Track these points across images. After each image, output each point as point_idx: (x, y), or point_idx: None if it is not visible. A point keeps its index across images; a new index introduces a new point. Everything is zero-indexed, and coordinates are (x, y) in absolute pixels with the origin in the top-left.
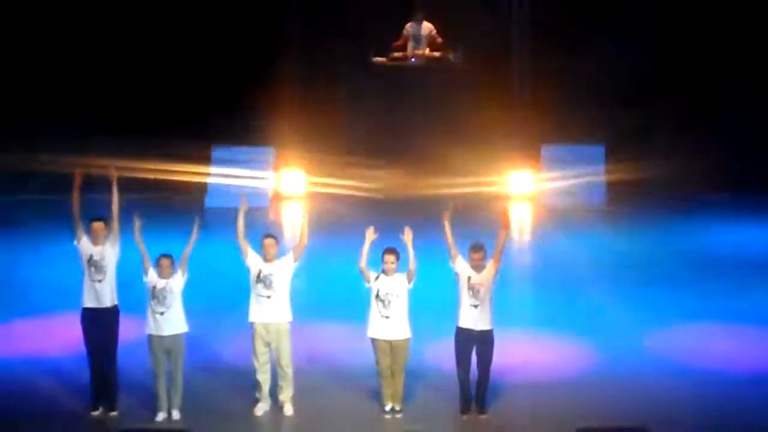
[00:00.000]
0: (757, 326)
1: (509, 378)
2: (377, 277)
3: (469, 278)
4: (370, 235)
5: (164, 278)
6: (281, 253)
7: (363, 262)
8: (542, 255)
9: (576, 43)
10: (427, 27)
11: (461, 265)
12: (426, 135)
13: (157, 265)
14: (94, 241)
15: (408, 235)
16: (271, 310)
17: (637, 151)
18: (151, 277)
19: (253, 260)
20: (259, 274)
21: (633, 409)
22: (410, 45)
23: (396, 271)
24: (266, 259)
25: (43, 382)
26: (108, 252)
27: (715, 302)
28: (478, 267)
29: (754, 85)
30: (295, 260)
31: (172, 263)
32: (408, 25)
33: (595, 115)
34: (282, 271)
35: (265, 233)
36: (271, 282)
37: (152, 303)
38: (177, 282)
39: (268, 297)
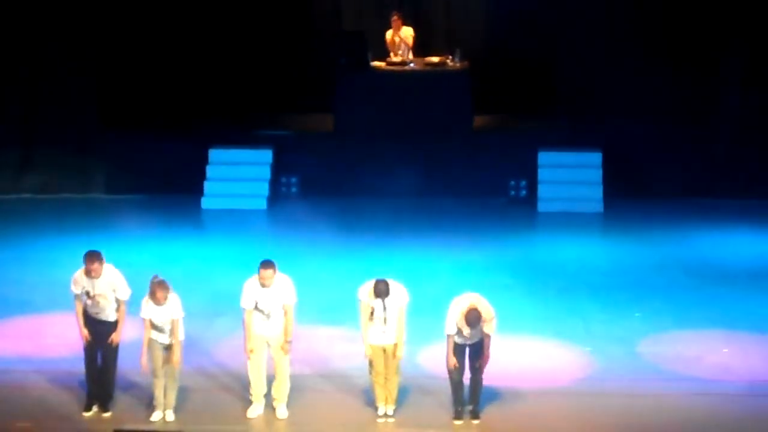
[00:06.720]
0: (755, 334)
1: (503, 384)
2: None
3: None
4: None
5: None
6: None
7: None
8: (538, 261)
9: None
10: (406, 30)
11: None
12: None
13: (153, 296)
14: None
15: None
16: (271, 327)
17: (634, 156)
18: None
19: (248, 297)
20: (256, 305)
21: (629, 417)
22: (396, 52)
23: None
24: (264, 286)
25: (36, 381)
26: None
27: (714, 309)
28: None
29: (752, 91)
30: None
31: (167, 290)
32: (388, 33)
33: (592, 120)
34: (278, 304)
35: (264, 262)
36: (269, 313)
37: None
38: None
39: (268, 316)
